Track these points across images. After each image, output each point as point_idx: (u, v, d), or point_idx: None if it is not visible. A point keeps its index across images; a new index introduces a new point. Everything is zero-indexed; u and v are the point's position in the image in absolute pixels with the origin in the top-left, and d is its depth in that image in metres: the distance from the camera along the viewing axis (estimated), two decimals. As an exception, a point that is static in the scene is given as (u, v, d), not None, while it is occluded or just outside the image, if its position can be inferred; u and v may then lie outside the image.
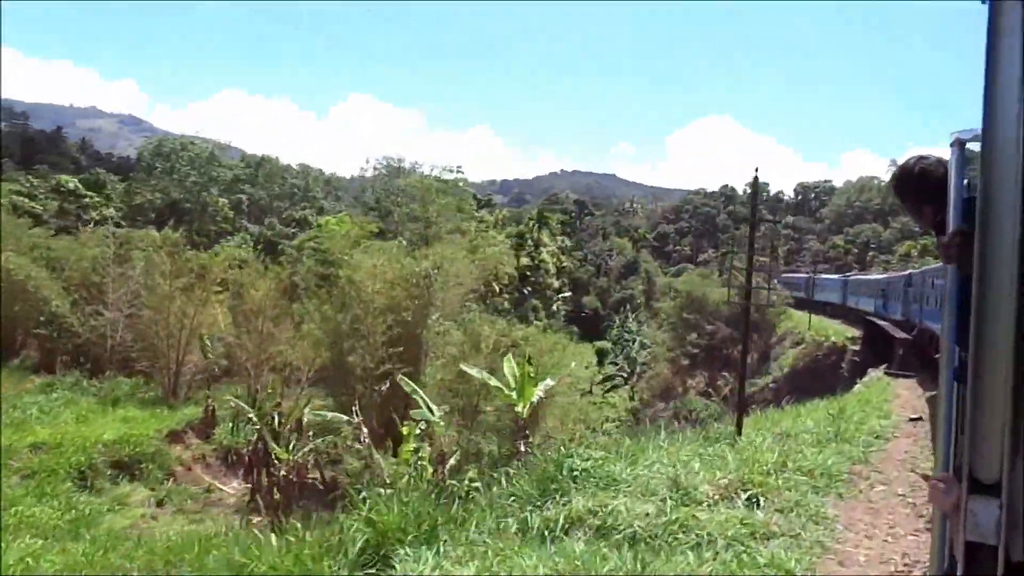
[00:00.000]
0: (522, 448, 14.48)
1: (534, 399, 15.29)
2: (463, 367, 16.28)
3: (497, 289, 45.49)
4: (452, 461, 15.13)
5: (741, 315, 42.81)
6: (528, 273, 51.86)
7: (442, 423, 16.32)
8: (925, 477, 7.15)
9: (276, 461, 19.07)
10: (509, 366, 15.36)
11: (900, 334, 22.83)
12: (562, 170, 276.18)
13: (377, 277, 23.50)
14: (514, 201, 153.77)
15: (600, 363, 59.21)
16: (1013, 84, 1.29)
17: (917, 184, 2.63)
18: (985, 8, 1.34)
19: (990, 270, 1.29)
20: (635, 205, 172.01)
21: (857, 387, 19.19)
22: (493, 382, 15.41)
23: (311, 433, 20.48)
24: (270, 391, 22.96)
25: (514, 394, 14.86)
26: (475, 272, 28.48)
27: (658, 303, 56.12)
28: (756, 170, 12.81)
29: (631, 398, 47.66)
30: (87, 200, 47.26)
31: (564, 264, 61.32)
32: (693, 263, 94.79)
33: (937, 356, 2.46)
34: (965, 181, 2.01)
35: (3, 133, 77.77)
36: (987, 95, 1.33)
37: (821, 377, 38.12)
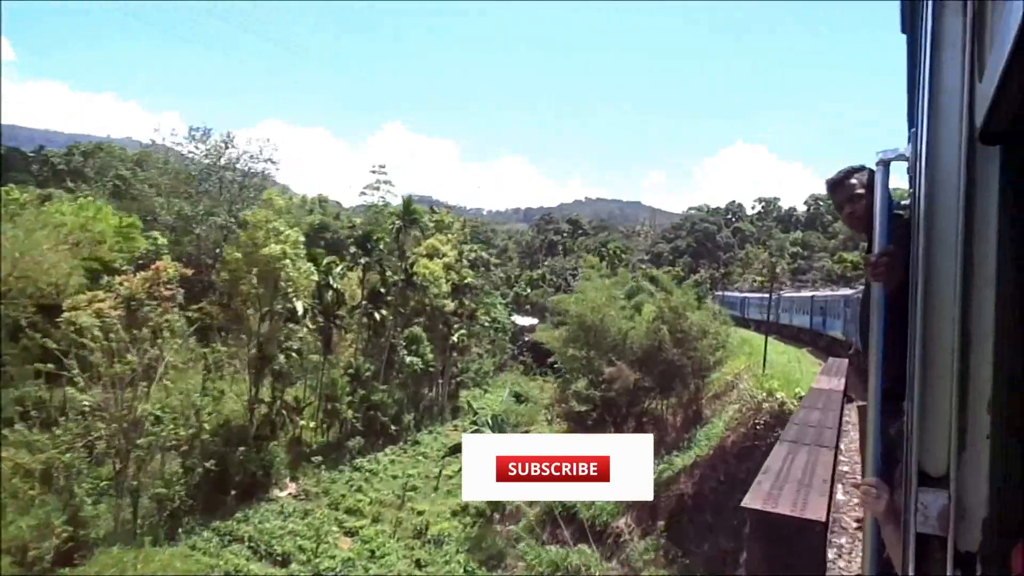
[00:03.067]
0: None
1: None
2: None
3: (300, 309, 30.79)
4: None
5: (656, 350, 27.01)
6: (383, 290, 36.94)
7: None
8: (856, 485, 5.54)
9: None
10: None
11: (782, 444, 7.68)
12: (586, 197, 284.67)
13: None
14: (532, 227, 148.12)
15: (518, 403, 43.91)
16: (954, 103, 1.34)
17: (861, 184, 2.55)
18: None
19: (935, 279, 1.34)
20: (645, 227, 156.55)
21: None
22: None
23: None
24: None
25: None
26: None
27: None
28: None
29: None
30: None
31: (468, 280, 46.15)
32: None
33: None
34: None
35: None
36: (918, 115, 1.45)
37: (761, 461, 22.78)
